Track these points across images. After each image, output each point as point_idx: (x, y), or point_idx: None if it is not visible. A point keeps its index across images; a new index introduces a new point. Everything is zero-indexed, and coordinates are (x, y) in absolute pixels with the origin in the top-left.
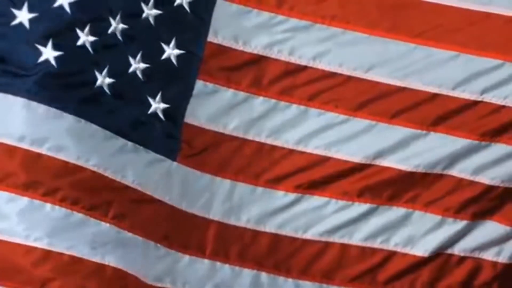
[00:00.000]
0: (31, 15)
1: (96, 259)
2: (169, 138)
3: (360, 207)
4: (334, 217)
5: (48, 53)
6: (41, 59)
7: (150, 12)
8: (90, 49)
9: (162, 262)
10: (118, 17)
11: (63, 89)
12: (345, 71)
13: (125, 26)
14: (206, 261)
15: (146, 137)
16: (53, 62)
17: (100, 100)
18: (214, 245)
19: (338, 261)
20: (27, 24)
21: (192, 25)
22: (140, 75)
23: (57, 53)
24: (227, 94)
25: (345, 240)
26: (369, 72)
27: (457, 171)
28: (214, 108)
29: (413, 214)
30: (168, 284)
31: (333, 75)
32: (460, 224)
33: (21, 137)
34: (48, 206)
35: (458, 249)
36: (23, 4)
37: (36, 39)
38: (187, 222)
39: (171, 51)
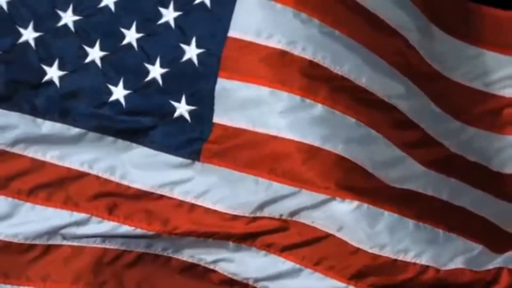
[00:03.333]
0: (36, 34)
1: None
2: (195, 139)
3: None
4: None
5: (54, 72)
6: (45, 78)
7: (170, 15)
8: (99, 65)
9: None
10: (133, 28)
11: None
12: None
13: (140, 35)
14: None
15: (170, 142)
16: (57, 82)
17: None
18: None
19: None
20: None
21: (212, 21)
22: (160, 81)
23: (61, 73)
24: (251, 89)
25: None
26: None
27: None
28: (239, 104)
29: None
30: None
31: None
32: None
33: None
34: None
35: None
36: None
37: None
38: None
39: (192, 52)
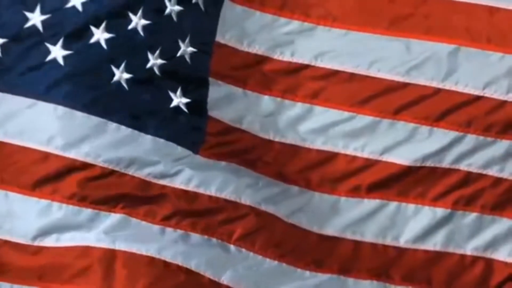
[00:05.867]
0: (44, 17)
1: None
2: (195, 130)
3: (370, 203)
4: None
5: (57, 52)
6: (49, 58)
7: (173, 8)
8: (104, 46)
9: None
10: (139, 13)
11: (75, 88)
12: (348, 68)
13: (147, 22)
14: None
15: (169, 130)
16: (61, 61)
17: (118, 95)
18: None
19: (352, 256)
20: (40, 26)
21: (205, 24)
22: (157, 71)
23: (66, 52)
24: (238, 92)
25: (357, 237)
26: (372, 68)
27: (464, 166)
28: (228, 104)
29: (422, 209)
30: None
31: (335, 72)
32: (470, 217)
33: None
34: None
35: (470, 249)
36: (36, 6)
37: (47, 39)
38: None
39: (185, 49)
